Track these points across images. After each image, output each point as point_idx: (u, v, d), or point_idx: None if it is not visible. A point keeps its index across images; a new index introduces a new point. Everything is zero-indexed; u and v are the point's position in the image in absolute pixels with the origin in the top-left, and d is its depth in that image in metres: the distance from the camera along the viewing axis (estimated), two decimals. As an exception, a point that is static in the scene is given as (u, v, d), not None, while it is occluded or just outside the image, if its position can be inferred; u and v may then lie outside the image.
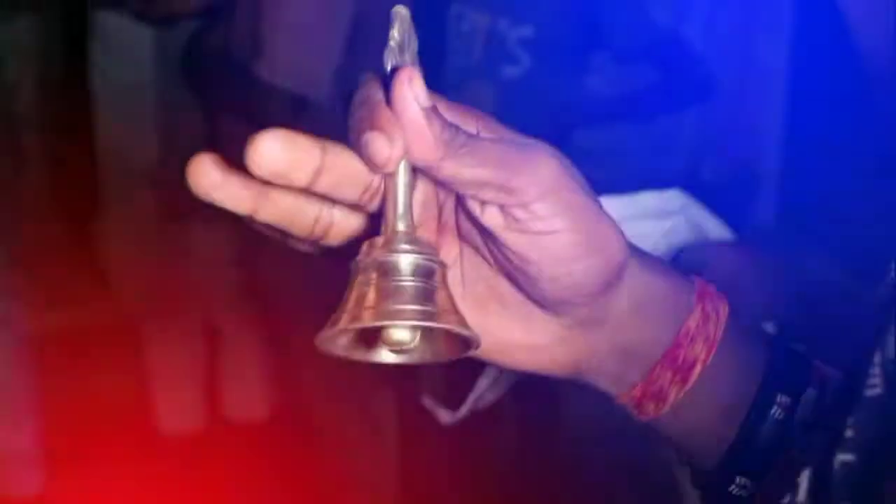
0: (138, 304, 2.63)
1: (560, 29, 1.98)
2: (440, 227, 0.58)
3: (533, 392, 1.58)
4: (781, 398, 0.60)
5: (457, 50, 2.01)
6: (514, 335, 0.58)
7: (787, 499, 0.57)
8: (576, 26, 1.98)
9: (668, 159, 2.01)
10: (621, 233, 0.56)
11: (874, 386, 0.54)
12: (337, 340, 0.55)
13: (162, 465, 2.58)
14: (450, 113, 0.54)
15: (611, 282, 0.57)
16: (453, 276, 0.58)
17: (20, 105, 2.58)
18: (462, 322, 0.53)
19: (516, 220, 0.54)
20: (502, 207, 0.54)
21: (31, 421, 2.56)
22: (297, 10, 1.96)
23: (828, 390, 0.60)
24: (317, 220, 0.55)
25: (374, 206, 0.55)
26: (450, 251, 0.58)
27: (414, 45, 0.55)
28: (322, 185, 0.53)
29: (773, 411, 0.60)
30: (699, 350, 0.60)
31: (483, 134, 0.55)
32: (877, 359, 0.55)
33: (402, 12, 0.55)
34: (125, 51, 2.43)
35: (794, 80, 2.03)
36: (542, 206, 0.53)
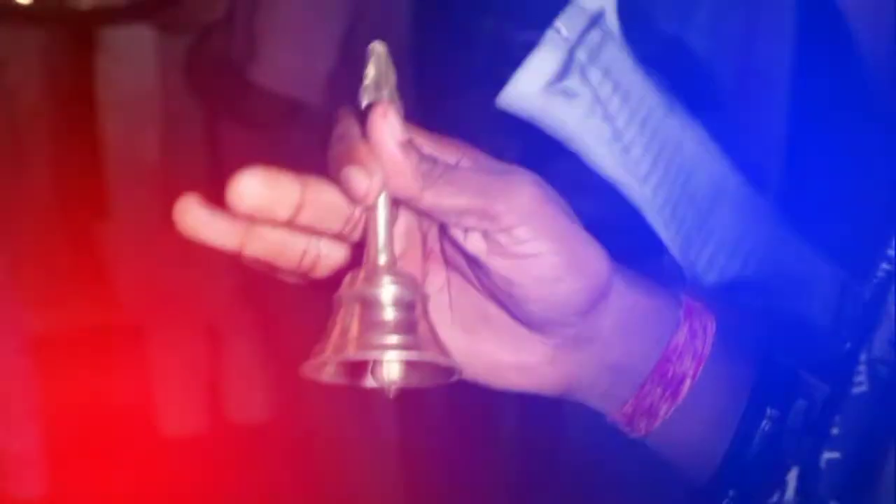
0: (140, 306, 2.64)
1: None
2: (425, 254, 0.59)
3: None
4: (771, 411, 0.61)
5: (462, 53, 2.01)
6: (503, 357, 0.59)
7: (775, 497, 0.58)
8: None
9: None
10: (604, 253, 0.57)
11: (860, 384, 0.55)
12: (322, 369, 0.56)
13: (163, 466, 2.58)
14: (429, 144, 0.55)
15: (596, 301, 0.57)
16: (441, 302, 0.59)
17: (24, 107, 2.59)
18: (443, 352, 0.54)
19: (499, 245, 0.55)
20: (485, 234, 0.55)
21: (33, 422, 2.56)
22: (292, 13, 1.96)
23: (816, 400, 0.61)
24: (303, 254, 0.56)
25: (357, 237, 0.57)
26: (436, 278, 0.59)
27: (392, 79, 0.56)
28: (304, 219, 0.54)
29: (763, 424, 0.61)
30: (688, 365, 0.61)
31: (463, 163, 0.56)
32: (862, 358, 0.56)
33: (378, 49, 0.56)
34: (128, 55, 2.43)
35: (797, 87, 2.03)
36: (523, 231, 0.54)
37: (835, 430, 0.55)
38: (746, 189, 0.94)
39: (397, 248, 0.57)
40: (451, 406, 2.01)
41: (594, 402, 0.62)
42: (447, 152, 0.56)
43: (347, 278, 0.55)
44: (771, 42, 2.05)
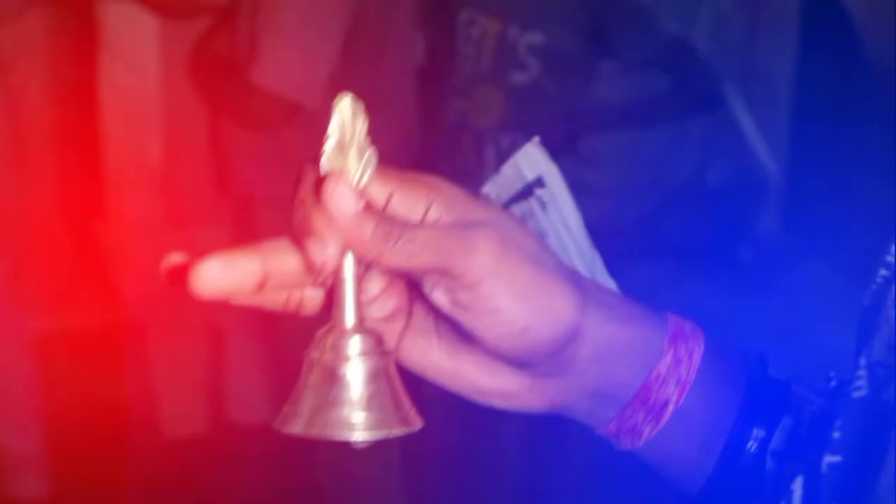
0: (142, 305, 2.63)
1: (569, 36, 1.98)
2: (409, 283, 0.60)
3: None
4: (757, 431, 0.61)
5: (467, 55, 2.01)
6: (485, 383, 0.60)
7: None
8: (585, 34, 1.98)
9: (675, 166, 2.01)
10: (573, 295, 0.58)
11: (860, 388, 0.56)
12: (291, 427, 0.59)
13: (163, 466, 2.58)
14: (399, 189, 0.57)
15: (564, 344, 0.58)
16: (427, 328, 0.60)
17: (25, 108, 2.59)
18: (399, 419, 0.57)
19: (461, 301, 0.56)
20: (447, 290, 0.56)
21: (34, 421, 2.56)
22: (292, 14, 1.95)
23: (804, 417, 0.61)
24: (287, 302, 0.58)
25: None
26: (422, 304, 0.60)
27: (360, 129, 0.56)
28: (272, 286, 0.56)
29: (748, 445, 0.61)
30: (671, 392, 0.61)
31: (433, 208, 0.57)
32: (862, 361, 0.56)
33: (341, 105, 0.56)
34: (131, 55, 2.43)
35: (799, 88, 2.03)
36: (483, 288, 0.56)
37: (836, 434, 0.56)
38: None
39: (384, 280, 0.59)
40: (453, 405, 2.01)
41: (580, 419, 0.63)
42: (417, 196, 0.57)
43: (317, 338, 0.57)
44: (775, 48, 2.05)
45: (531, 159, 0.82)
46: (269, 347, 2.45)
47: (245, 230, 2.26)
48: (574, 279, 0.59)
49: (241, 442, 2.59)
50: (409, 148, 2.09)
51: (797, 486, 0.58)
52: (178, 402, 2.69)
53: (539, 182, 0.82)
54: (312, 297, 0.58)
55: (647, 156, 1.99)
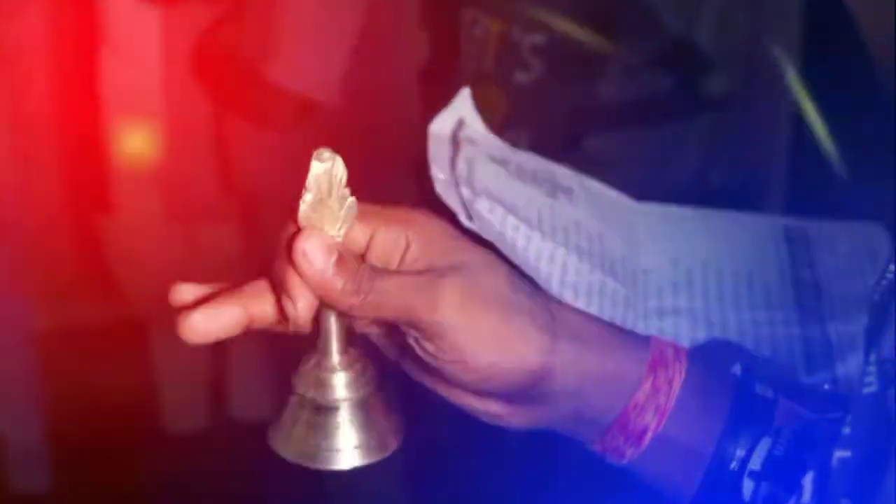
0: (145, 301, 2.64)
1: (572, 36, 1.98)
2: None
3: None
4: (740, 451, 0.63)
5: (469, 55, 2.01)
6: (473, 404, 0.64)
7: (792, 500, 0.59)
8: (588, 33, 1.98)
9: (678, 165, 2.02)
10: (539, 339, 0.60)
11: (870, 384, 0.56)
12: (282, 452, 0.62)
13: (166, 463, 2.58)
14: (382, 227, 0.60)
15: (531, 383, 0.61)
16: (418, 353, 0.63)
17: (28, 101, 2.59)
18: (377, 446, 0.61)
19: (428, 350, 0.59)
20: (414, 339, 0.59)
21: (37, 417, 2.57)
22: (306, 12, 1.95)
23: (782, 439, 0.62)
24: (283, 328, 0.62)
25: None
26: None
27: (342, 177, 0.58)
28: (258, 327, 0.61)
29: (731, 465, 0.62)
30: (649, 419, 0.63)
31: (412, 248, 0.60)
32: (872, 357, 0.56)
33: (317, 158, 0.57)
34: (133, 50, 2.43)
35: (801, 87, 2.03)
36: (448, 339, 0.58)
37: (846, 430, 0.56)
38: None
39: None
40: (456, 407, 2.01)
41: (567, 435, 0.65)
42: (398, 235, 0.60)
43: (302, 372, 0.61)
44: (776, 41, 2.05)
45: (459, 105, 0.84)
46: (270, 345, 2.45)
47: (249, 226, 2.26)
48: (545, 317, 0.61)
49: (242, 439, 2.60)
50: (411, 148, 2.10)
51: (807, 481, 0.59)
52: (180, 398, 2.70)
53: (460, 126, 0.83)
54: (306, 325, 0.61)
55: (650, 155, 2.00)
